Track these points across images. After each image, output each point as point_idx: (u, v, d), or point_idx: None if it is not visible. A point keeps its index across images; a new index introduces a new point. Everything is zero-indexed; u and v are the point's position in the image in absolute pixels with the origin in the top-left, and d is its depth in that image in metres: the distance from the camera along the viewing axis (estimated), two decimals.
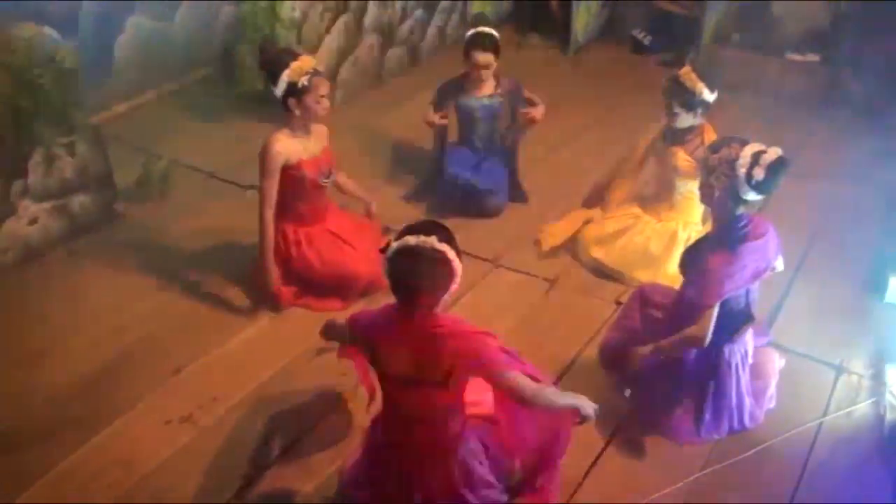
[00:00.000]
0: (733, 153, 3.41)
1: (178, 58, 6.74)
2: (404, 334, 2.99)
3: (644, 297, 3.94)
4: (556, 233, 5.10)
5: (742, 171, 3.36)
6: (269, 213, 4.39)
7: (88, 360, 4.20)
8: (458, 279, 2.95)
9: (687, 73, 4.47)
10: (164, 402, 3.97)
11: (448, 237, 2.93)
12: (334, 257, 4.55)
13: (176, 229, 5.19)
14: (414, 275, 2.88)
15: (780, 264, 3.74)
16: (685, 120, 4.54)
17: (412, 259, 2.87)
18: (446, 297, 2.99)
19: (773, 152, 3.38)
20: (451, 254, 2.90)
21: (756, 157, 3.36)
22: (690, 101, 4.47)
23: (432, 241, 2.87)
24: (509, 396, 3.08)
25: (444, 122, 5.36)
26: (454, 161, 5.38)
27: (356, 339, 3.21)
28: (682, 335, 3.57)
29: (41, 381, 4.08)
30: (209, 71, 6.98)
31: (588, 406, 3.06)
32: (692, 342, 3.56)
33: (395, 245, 2.91)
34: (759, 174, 3.34)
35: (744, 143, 3.45)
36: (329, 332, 3.47)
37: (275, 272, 4.45)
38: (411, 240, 2.88)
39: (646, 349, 3.69)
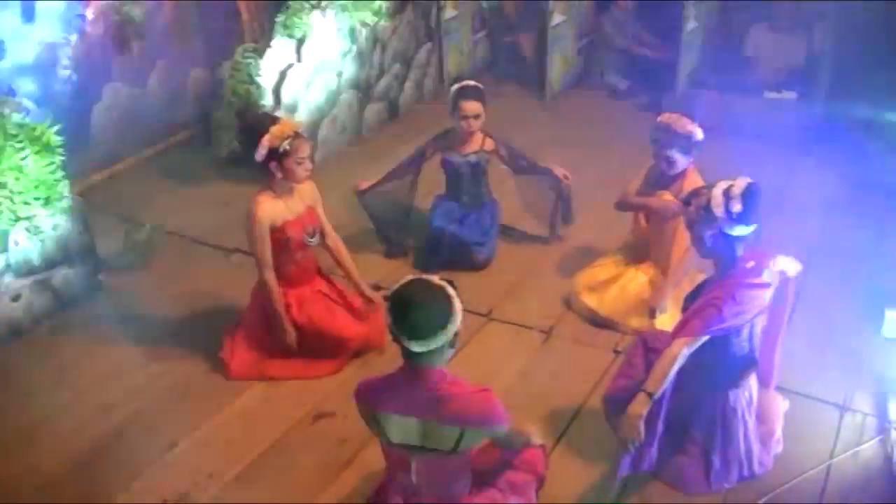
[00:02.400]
0: (704, 199, 3.41)
1: (154, 123, 6.71)
2: (410, 400, 2.91)
3: (646, 344, 3.88)
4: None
5: (719, 210, 3.34)
6: (271, 275, 4.35)
7: (78, 440, 4.08)
8: (457, 319, 2.86)
9: (677, 119, 4.47)
10: (159, 481, 3.85)
11: (447, 281, 2.92)
12: (325, 319, 4.47)
13: (162, 297, 5.11)
14: (411, 296, 2.82)
15: (792, 268, 3.65)
16: (681, 164, 4.52)
17: (411, 285, 2.86)
18: (447, 342, 2.89)
19: (741, 182, 3.37)
20: (450, 290, 2.87)
21: (727, 193, 3.35)
22: (687, 145, 4.46)
23: (432, 278, 2.90)
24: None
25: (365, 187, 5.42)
26: (440, 214, 5.37)
27: (362, 409, 3.13)
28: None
29: (30, 466, 3.95)
30: (186, 135, 6.94)
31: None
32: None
33: (395, 286, 2.90)
34: (736, 206, 3.32)
35: (710, 186, 3.44)
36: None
37: (291, 331, 4.41)
38: (411, 277, 2.91)
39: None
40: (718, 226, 3.38)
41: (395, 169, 5.48)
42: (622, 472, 3.56)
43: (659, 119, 4.55)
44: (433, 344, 2.82)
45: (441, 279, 2.90)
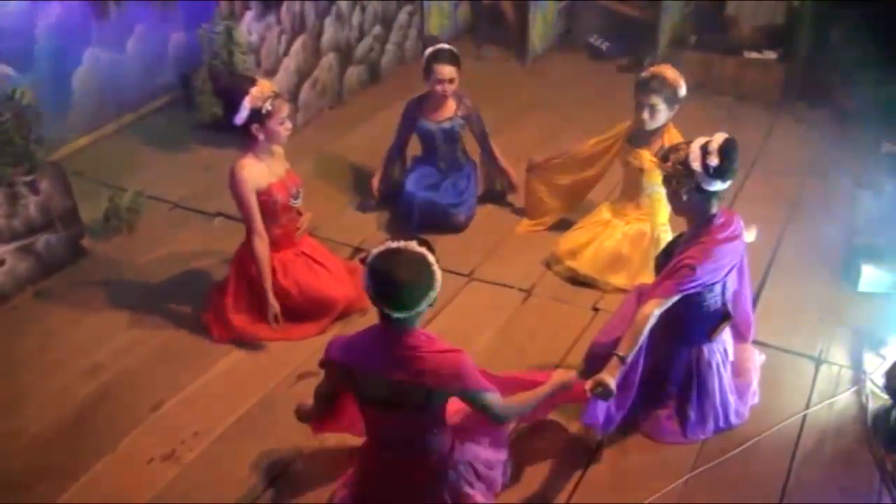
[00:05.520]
0: (682, 154, 3.45)
1: (135, 88, 6.67)
2: (382, 356, 2.95)
3: (641, 297, 3.87)
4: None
5: (697, 164, 3.38)
6: (260, 244, 4.30)
7: (65, 403, 4.10)
8: (437, 285, 2.94)
9: (668, 69, 4.49)
10: (146, 441, 3.89)
11: (427, 245, 2.97)
12: (311, 283, 4.50)
13: (145, 262, 5.12)
14: (395, 273, 2.87)
15: (751, 236, 3.73)
16: (663, 116, 4.53)
17: (393, 259, 2.90)
18: (426, 307, 2.96)
19: (719, 137, 3.42)
20: (430, 257, 2.93)
21: (705, 148, 3.40)
22: (673, 96, 4.48)
23: (412, 244, 2.94)
24: (482, 415, 3.19)
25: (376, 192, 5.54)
26: (413, 179, 5.39)
27: (334, 369, 3.16)
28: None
29: (17, 429, 3.97)
30: (167, 99, 6.92)
31: (565, 378, 3.40)
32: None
33: (375, 251, 2.94)
34: (714, 161, 3.37)
35: (688, 142, 3.49)
36: (302, 414, 3.50)
37: (275, 305, 4.35)
38: (391, 244, 2.94)
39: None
40: (696, 181, 3.42)
41: (388, 158, 5.57)
42: (600, 426, 3.61)
43: (650, 69, 4.57)
44: (415, 311, 2.90)
45: (419, 243, 2.94)
